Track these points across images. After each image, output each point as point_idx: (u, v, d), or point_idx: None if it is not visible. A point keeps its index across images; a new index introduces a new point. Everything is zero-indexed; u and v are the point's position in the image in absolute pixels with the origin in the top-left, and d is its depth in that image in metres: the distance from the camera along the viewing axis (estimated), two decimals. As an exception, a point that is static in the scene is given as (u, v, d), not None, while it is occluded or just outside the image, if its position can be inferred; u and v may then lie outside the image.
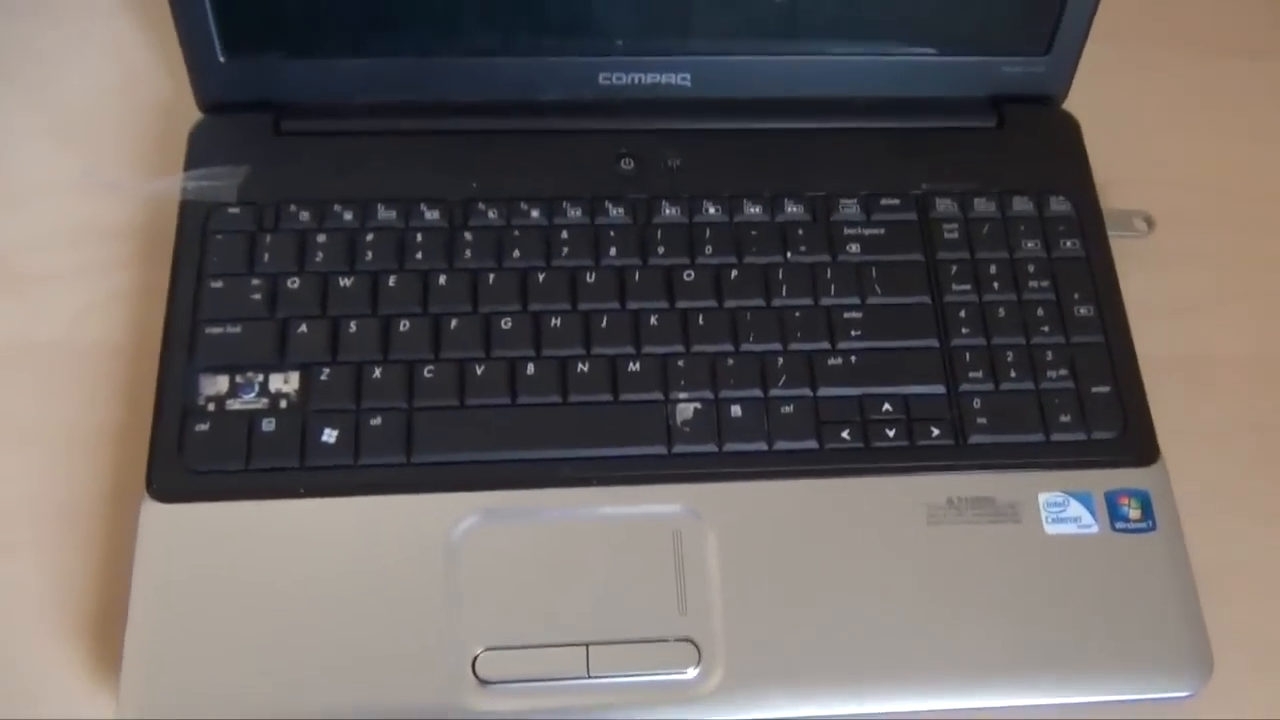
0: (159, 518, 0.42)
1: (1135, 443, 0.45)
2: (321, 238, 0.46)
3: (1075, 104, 0.53)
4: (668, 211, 0.48)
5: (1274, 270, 0.52)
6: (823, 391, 0.45)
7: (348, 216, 0.47)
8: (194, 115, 0.49)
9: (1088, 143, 0.52)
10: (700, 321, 0.46)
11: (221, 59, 0.48)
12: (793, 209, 0.49)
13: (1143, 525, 0.44)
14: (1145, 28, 0.57)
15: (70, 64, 0.53)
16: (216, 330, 0.45)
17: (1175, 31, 0.58)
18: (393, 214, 0.47)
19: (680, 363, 0.45)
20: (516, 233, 0.47)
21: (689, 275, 0.47)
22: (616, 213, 0.48)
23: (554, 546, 0.42)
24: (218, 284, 0.45)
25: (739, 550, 0.42)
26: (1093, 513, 0.44)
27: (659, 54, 0.50)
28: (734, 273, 0.47)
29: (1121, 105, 0.55)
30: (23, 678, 0.41)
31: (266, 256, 0.46)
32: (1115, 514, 0.44)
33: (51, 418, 0.46)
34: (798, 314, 0.47)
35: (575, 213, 0.48)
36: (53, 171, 0.51)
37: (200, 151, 0.48)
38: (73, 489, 0.44)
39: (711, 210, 0.49)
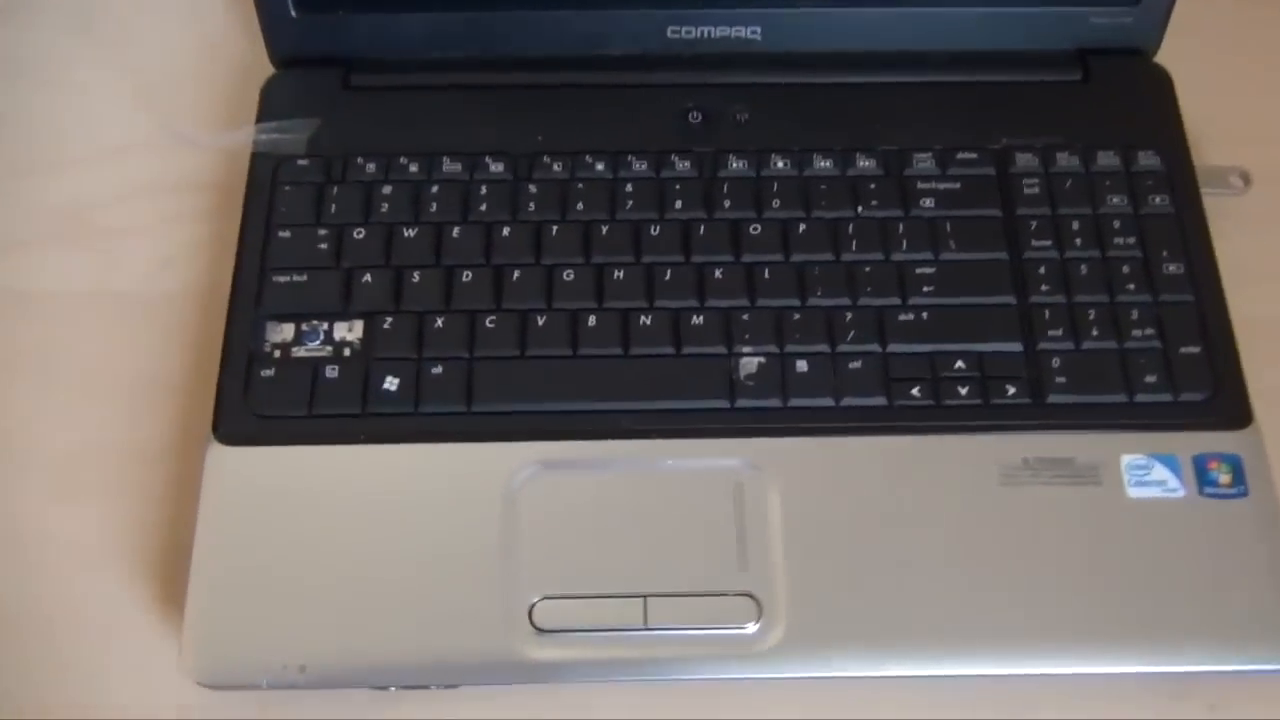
0: (224, 460, 0.42)
1: (1226, 405, 0.43)
2: (387, 189, 0.47)
3: (1169, 58, 0.50)
4: (734, 165, 0.47)
5: (1380, 229, 0.49)
6: (892, 347, 0.44)
7: (413, 168, 0.47)
8: (268, 71, 0.50)
9: (1181, 98, 0.50)
10: (766, 275, 0.45)
11: (293, 14, 0.48)
12: (864, 163, 0.47)
13: (1234, 491, 0.42)
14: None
15: (148, 22, 0.54)
16: (283, 279, 0.45)
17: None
18: (458, 166, 0.47)
19: (745, 316, 0.44)
20: (581, 185, 0.47)
21: (755, 229, 0.46)
22: (682, 166, 0.47)
23: (613, 498, 0.41)
24: (285, 234, 0.46)
25: (802, 506, 0.41)
26: (1179, 476, 0.42)
27: (728, 6, 0.49)
28: (802, 227, 0.46)
29: (1218, 60, 0.52)
30: (93, 617, 0.42)
31: (333, 207, 0.46)
32: (1204, 479, 0.42)
33: (124, 366, 0.46)
34: (868, 269, 0.45)
35: (640, 166, 0.47)
36: (130, 128, 0.52)
37: (272, 105, 0.49)
38: (142, 434, 0.45)
39: (780, 164, 0.47)
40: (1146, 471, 0.42)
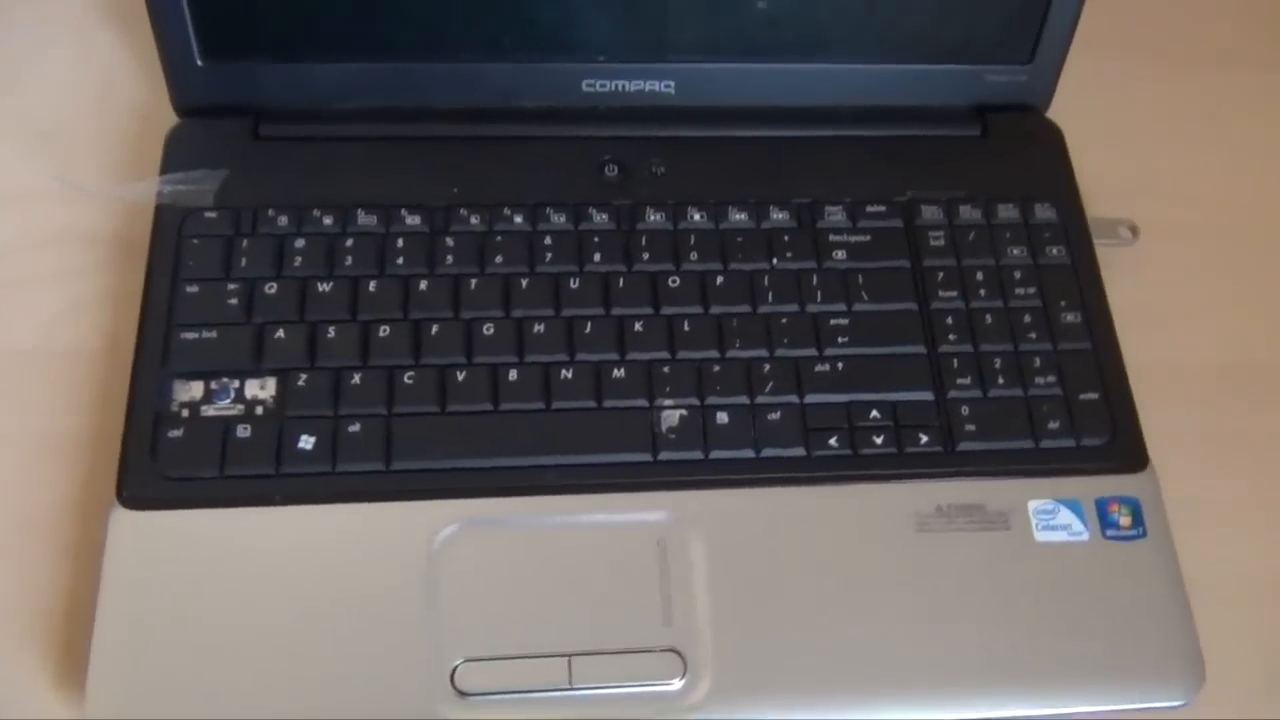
0: (129, 525, 0.40)
1: (1124, 449, 0.45)
2: (300, 242, 0.46)
3: (1060, 113, 0.53)
4: (652, 218, 0.48)
5: (1257, 279, 0.52)
6: (810, 398, 0.45)
7: (327, 221, 0.46)
8: (171, 120, 0.49)
9: (1072, 152, 0.52)
10: (685, 328, 0.45)
11: (199, 62, 0.47)
12: (778, 215, 0.48)
13: (1133, 533, 0.44)
14: (1129, 39, 0.57)
15: (46, 70, 0.52)
16: (191, 335, 0.44)
17: (1158, 43, 0.58)
18: (373, 219, 0.47)
19: (665, 369, 0.45)
20: (499, 238, 0.47)
21: (674, 281, 0.47)
22: (601, 219, 0.48)
23: (536, 555, 0.41)
24: (193, 288, 0.45)
25: (726, 559, 0.42)
26: (1083, 520, 0.44)
27: (643, 61, 0.49)
28: (719, 279, 0.47)
29: (1106, 115, 0.55)
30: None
31: (243, 261, 0.45)
32: (1106, 521, 0.44)
33: (23, 425, 0.44)
34: (784, 320, 0.46)
35: (559, 219, 0.47)
36: (27, 177, 0.50)
37: (177, 155, 0.48)
38: (43, 496, 0.43)
39: (696, 217, 0.48)
40: (1052, 516, 0.44)
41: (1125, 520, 0.44)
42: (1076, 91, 0.52)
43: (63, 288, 0.47)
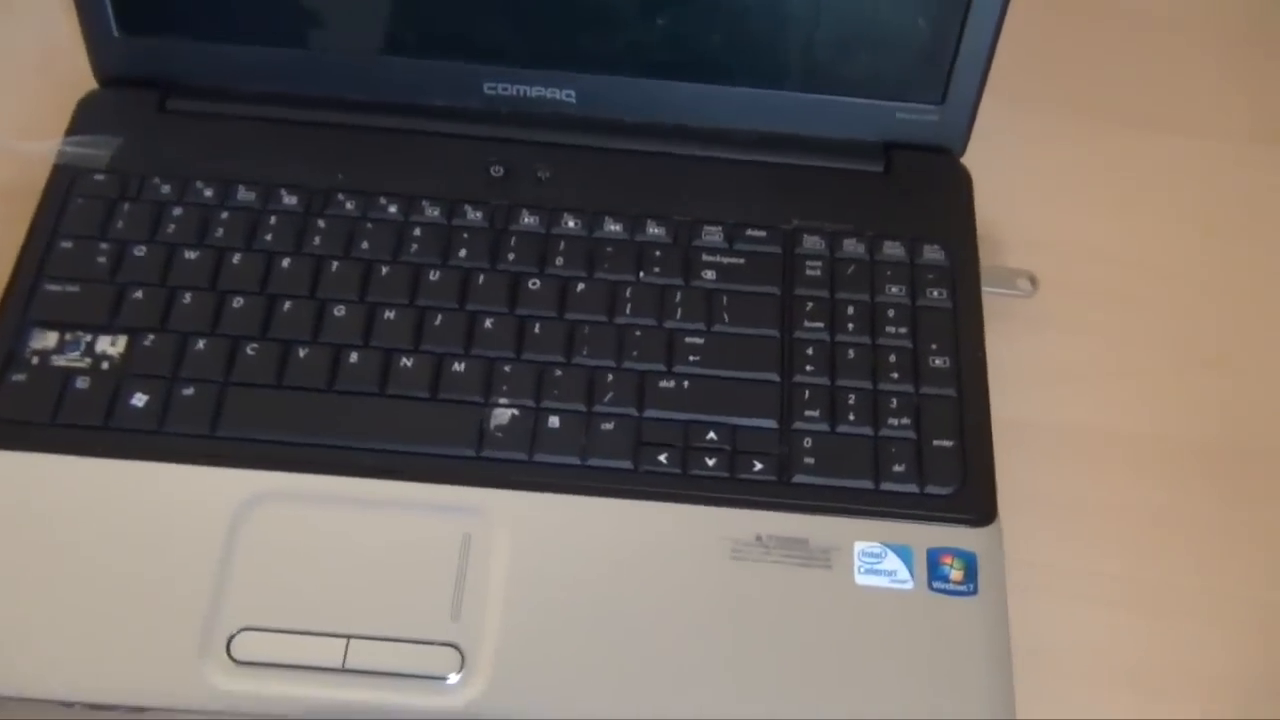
0: (-45, 460, 0.42)
1: (971, 502, 0.43)
2: (177, 211, 0.47)
3: (975, 161, 0.51)
4: (526, 220, 0.48)
5: (1157, 348, 0.49)
6: (649, 413, 0.44)
7: (208, 194, 0.48)
8: (94, 87, 0.51)
9: (984, 200, 0.51)
10: (536, 329, 0.45)
11: (115, 34, 0.49)
12: (654, 230, 0.48)
13: (964, 588, 0.41)
14: (1054, 95, 0.56)
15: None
16: (56, 288, 0.45)
17: (1082, 102, 0.56)
18: (252, 196, 0.48)
19: (506, 368, 0.44)
20: (369, 225, 0.47)
21: (534, 284, 0.46)
22: (474, 216, 0.48)
23: (339, 535, 0.41)
24: (68, 244, 0.46)
25: (529, 562, 0.41)
26: (910, 568, 0.42)
27: (545, 68, 0.50)
28: (580, 286, 0.46)
29: (1024, 168, 0.53)
30: None
31: (120, 224, 0.47)
32: (935, 573, 0.42)
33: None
34: (638, 333, 0.45)
35: (433, 212, 0.48)
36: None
37: (85, 120, 0.50)
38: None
39: (571, 224, 0.48)
40: (878, 560, 0.42)
41: (957, 574, 0.42)
42: (996, 140, 0.51)
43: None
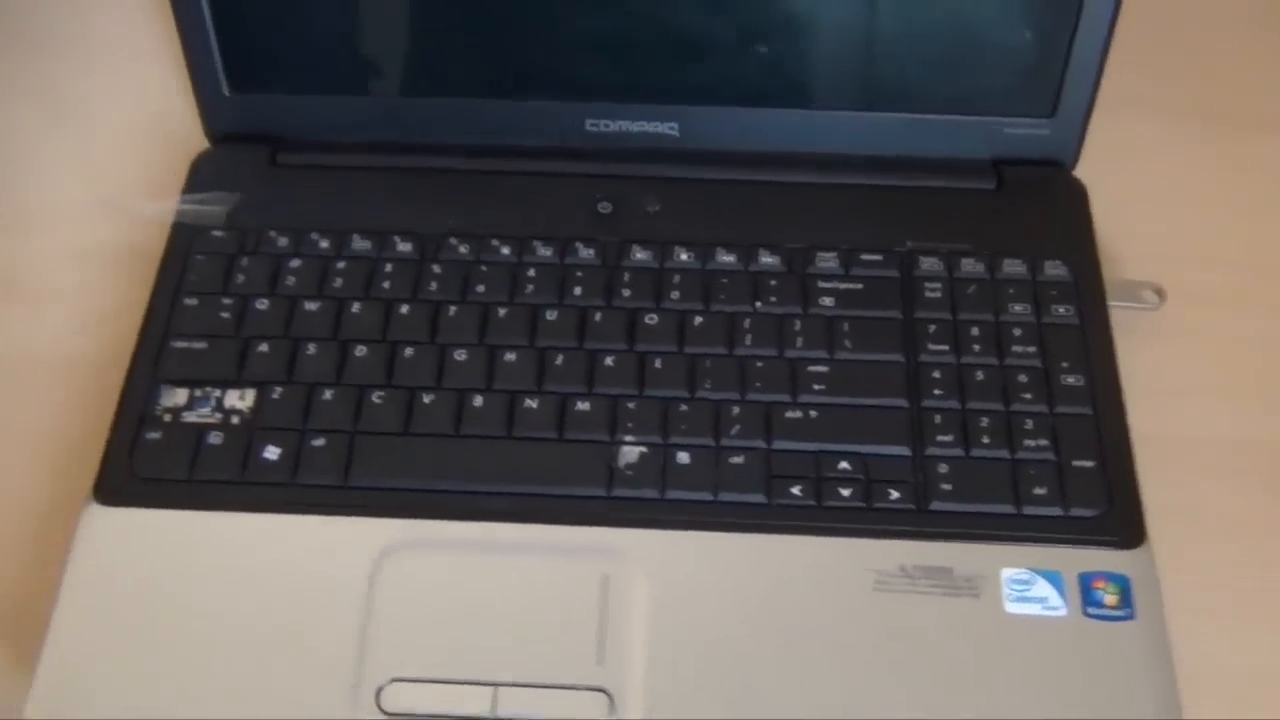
0: (98, 519, 0.42)
1: (1119, 523, 0.42)
2: (295, 263, 0.48)
3: (1090, 173, 0.50)
4: (638, 255, 0.48)
5: (1287, 353, 0.48)
6: (778, 444, 0.43)
7: (324, 244, 0.48)
8: (206, 146, 0.52)
9: (1101, 212, 0.50)
10: (657, 365, 0.45)
11: (226, 92, 0.50)
12: (767, 259, 0.48)
13: (1120, 613, 0.40)
14: (1165, 101, 0.55)
15: (102, 95, 0.57)
16: (183, 344, 0.46)
17: (1193, 106, 0.55)
18: (367, 244, 0.48)
19: (631, 405, 0.44)
20: (484, 268, 0.47)
21: (651, 319, 0.46)
22: (586, 254, 0.48)
23: (477, 581, 0.41)
24: (191, 301, 0.47)
25: (670, 602, 0.40)
26: (1062, 594, 0.40)
27: (647, 102, 0.50)
28: (698, 319, 0.46)
29: (1139, 177, 0.52)
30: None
31: (241, 278, 0.47)
32: (1088, 598, 0.40)
33: (26, 425, 0.47)
34: (760, 364, 0.45)
35: (545, 252, 0.48)
36: (76, 196, 0.54)
37: (200, 178, 0.50)
38: (36, 493, 0.45)
39: (684, 256, 0.48)
40: (1028, 587, 0.41)
41: (1111, 599, 0.40)
42: (1109, 152, 0.50)
43: (85, 298, 0.50)
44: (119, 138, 0.56)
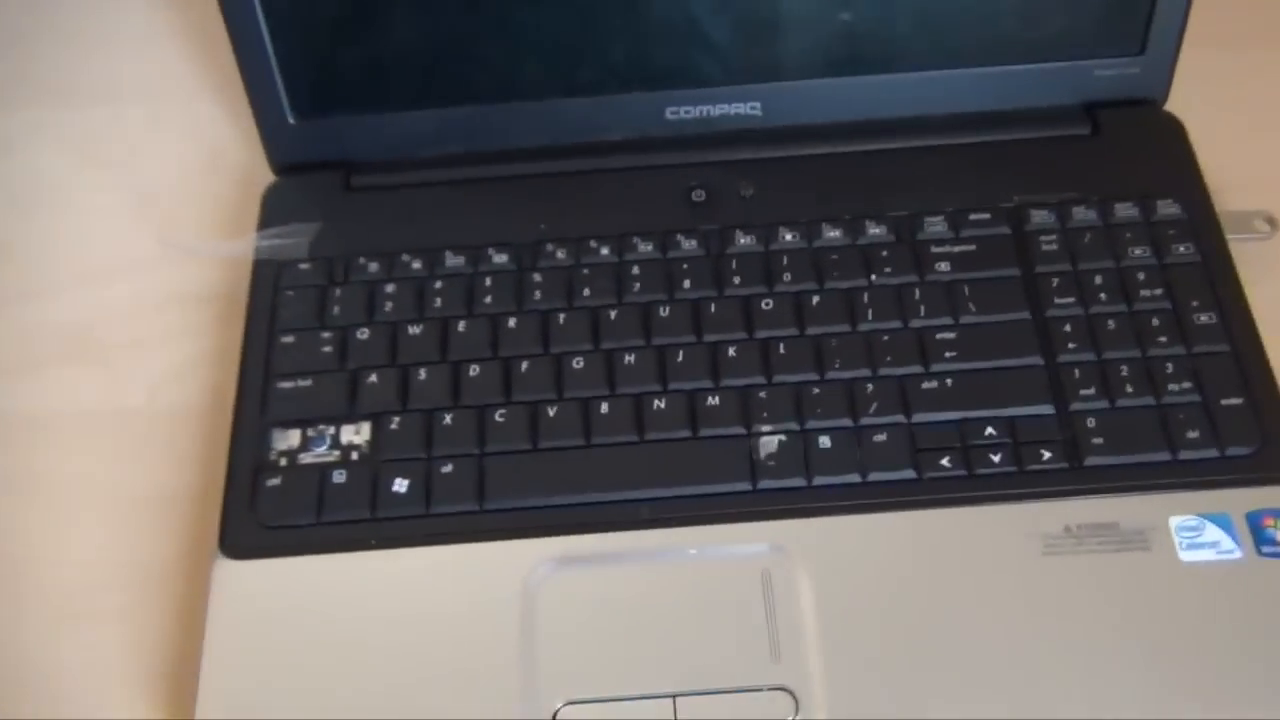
0: (231, 575, 0.41)
1: (1276, 457, 0.41)
2: (390, 288, 0.46)
3: (1179, 107, 0.49)
4: (742, 241, 0.46)
5: None
6: (918, 417, 0.42)
7: (416, 265, 0.47)
8: (269, 178, 0.50)
9: (1196, 146, 0.48)
10: (781, 350, 0.44)
11: (291, 121, 0.48)
12: (875, 230, 0.46)
13: (1294, 549, 0.39)
14: (1246, 30, 0.54)
15: (150, 140, 0.55)
16: (288, 384, 0.44)
17: (1275, 32, 0.54)
18: (461, 260, 0.46)
19: (762, 394, 0.43)
20: (586, 271, 0.46)
21: (767, 304, 0.45)
22: (689, 245, 0.46)
23: (635, 592, 0.40)
24: (288, 338, 0.45)
25: (834, 590, 0.39)
26: (1234, 537, 0.39)
27: (727, 84, 0.48)
28: (815, 299, 0.45)
29: (1230, 107, 0.51)
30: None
31: (336, 309, 0.46)
32: (1260, 537, 0.39)
33: (132, 483, 0.45)
34: (886, 338, 0.44)
35: (646, 248, 0.46)
36: (139, 244, 0.52)
37: (273, 212, 0.49)
38: (153, 551, 0.44)
39: (788, 237, 0.46)
40: (1198, 533, 0.40)
41: (1284, 535, 0.40)
42: (1195, 84, 0.49)
43: (170, 348, 0.49)
44: (175, 180, 0.54)
